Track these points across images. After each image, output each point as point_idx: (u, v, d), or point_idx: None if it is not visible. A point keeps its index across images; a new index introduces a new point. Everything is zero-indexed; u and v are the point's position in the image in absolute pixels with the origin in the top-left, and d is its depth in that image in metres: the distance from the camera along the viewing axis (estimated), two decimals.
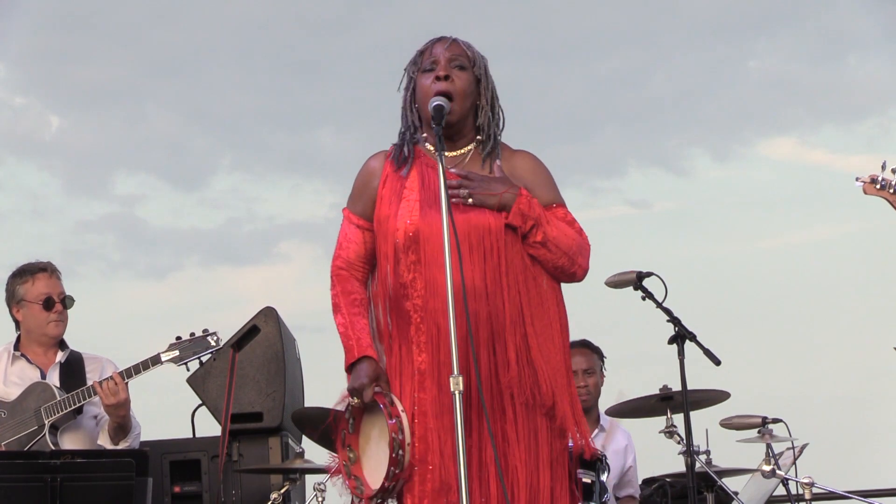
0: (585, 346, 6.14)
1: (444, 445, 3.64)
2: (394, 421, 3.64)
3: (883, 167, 4.68)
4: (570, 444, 3.83)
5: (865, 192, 4.75)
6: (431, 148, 3.83)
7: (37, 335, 5.51)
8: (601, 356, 6.17)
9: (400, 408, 3.67)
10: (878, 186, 4.71)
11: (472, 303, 3.59)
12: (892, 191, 4.63)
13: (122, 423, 5.31)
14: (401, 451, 3.63)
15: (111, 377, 5.24)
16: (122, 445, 5.35)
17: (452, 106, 3.76)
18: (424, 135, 3.86)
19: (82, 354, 5.60)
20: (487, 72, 3.86)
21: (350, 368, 3.76)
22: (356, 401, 3.71)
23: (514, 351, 3.69)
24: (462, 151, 3.85)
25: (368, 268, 3.87)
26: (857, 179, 4.74)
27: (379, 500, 3.69)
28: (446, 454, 3.63)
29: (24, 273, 5.53)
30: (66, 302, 5.52)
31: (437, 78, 3.77)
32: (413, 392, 3.71)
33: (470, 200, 3.68)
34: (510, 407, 3.69)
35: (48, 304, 5.48)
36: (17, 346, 5.54)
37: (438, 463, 3.65)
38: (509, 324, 3.69)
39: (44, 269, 5.53)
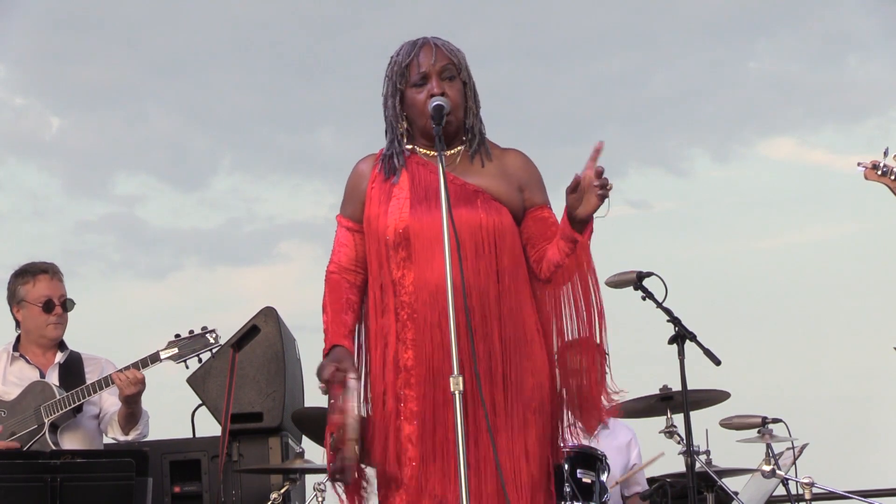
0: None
1: (430, 442, 3.65)
2: (338, 385, 3.61)
3: (885, 153, 4.69)
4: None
5: (866, 178, 4.75)
6: (423, 150, 3.85)
7: (35, 336, 5.51)
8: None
9: (351, 376, 3.64)
10: (879, 172, 4.72)
11: (462, 300, 3.59)
12: (893, 177, 4.63)
13: (134, 411, 5.33)
14: (342, 415, 3.57)
15: (128, 367, 5.25)
16: (132, 434, 5.37)
17: (449, 118, 3.77)
18: (411, 146, 3.87)
19: (81, 355, 5.60)
20: (468, 69, 3.87)
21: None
22: (321, 384, 3.70)
23: (505, 347, 3.71)
24: (453, 152, 3.86)
25: (361, 270, 3.88)
26: (858, 164, 4.74)
27: (338, 474, 3.65)
28: (434, 450, 3.65)
29: (26, 273, 5.53)
30: (67, 305, 5.51)
31: (432, 95, 3.77)
32: (399, 389, 3.72)
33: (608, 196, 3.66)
34: (500, 402, 3.70)
35: (48, 306, 5.48)
36: (16, 347, 5.54)
37: (423, 459, 3.66)
38: (499, 320, 3.70)
39: (45, 271, 5.53)
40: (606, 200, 3.66)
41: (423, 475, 3.68)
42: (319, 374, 3.71)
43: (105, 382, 5.29)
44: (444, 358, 3.63)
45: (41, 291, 5.48)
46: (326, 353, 3.77)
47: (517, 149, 3.93)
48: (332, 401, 3.64)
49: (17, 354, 5.51)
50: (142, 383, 5.24)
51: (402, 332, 3.74)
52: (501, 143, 3.95)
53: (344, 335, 3.78)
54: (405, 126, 3.86)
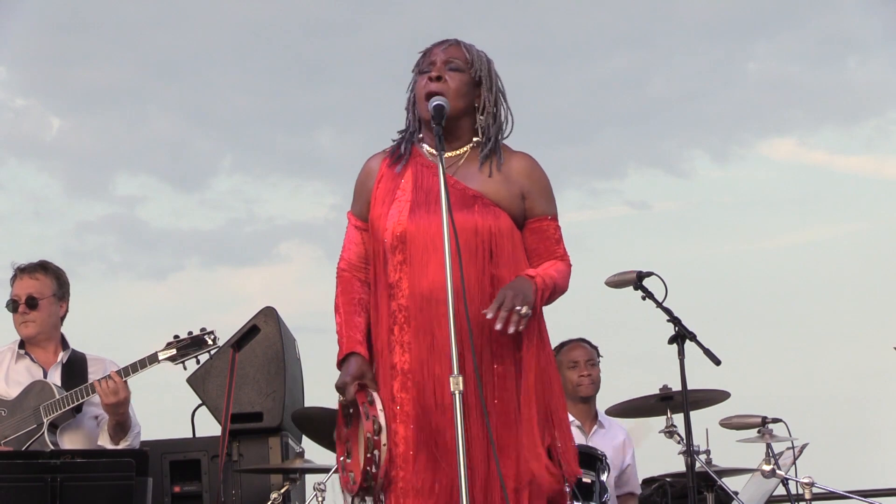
0: (584, 341, 6.20)
1: (425, 445, 3.65)
2: (369, 420, 3.64)
3: None
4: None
5: None
6: (429, 149, 3.85)
7: (19, 334, 5.52)
8: (598, 353, 6.22)
9: (379, 406, 3.67)
10: None
11: (459, 303, 3.58)
12: None
13: (121, 422, 5.30)
14: (376, 452, 3.62)
15: (110, 376, 5.24)
16: (122, 445, 5.33)
17: (447, 105, 3.77)
18: (421, 135, 3.87)
19: (86, 355, 5.59)
20: (492, 73, 3.86)
21: (341, 365, 3.78)
22: (342, 398, 3.73)
23: (498, 350, 3.70)
24: (458, 152, 3.85)
25: (370, 267, 3.87)
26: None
27: (360, 498, 3.69)
28: (428, 453, 3.64)
29: (12, 275, 5.55)
30: (30, 302, 5.47)
31: (430, 79, 3.79)
32: (396, 392, 3.71)
33: (525, 309, 3.63)
34: (495, 406, 3.69)
35: (12, 306, 5.48)
36: (21, 345, 5.54)
37: (419, 463, 3.65)
38: (490, 324, 3.66)
39: (23, 270, 5.53)
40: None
41: (416, 478, 3.67)
42: (342, 391, 3.72)
43: None
44: (438, 362, 3.64)
45: (12, 292, 5.51)
46: (341, 360, 3.77)
47: (527, 153, 3.90)
48: (360, 406, 3.66)
49: (21, 352, 5.52)
50: (122, 393, 5.20)
51: (399, 335, 3.73)
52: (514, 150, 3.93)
53: (359, 341, 3.78)
54: (416, 117, 3.86)
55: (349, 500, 3.79)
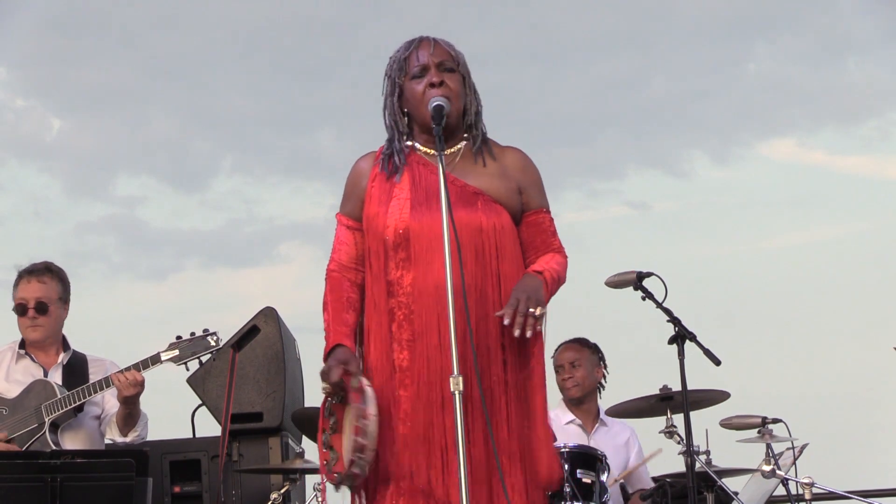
0: (575, 341, 6.22)
1: (424, 443, 3.64)
2: (355, 391, 3.60)
3: None
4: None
5: None
6: (423, 148, 3.84)
7: (24, 337, 5.51)
8: (595, 351, 6.22)
9: (365, 382, 3.62)
10: None
11: (461, 302, 3.58)
12: None
13: (132, 412, 5.32)
14: (364, 420, 3.56)
15: (129, 369, 5.24)
16: (131, 436, 5.36)
17: (449, 115, 3.77)
18: (410, 142, 3.86)
19: (87, 356, 5.60)
20: (467, 67, 3.87)
21: (327, 358, 3.75)
22: (325, 385, 3.69)
23: (504, 349, 3.70)
24: (454, 150, 3.85)
25: (361, 268, 3.86)
26: None
27: (349, 480, 3.66)
28: (428, 452, 3.64)
29: (16, 277, 5.55)
30: (39, 307, 5.48)
31: (432, 84, 3.78)
32: (394, 390, 3.70)
33: (539, 311, 3.65)
34: (499, 404, 3.70)
35: (20, 310, 5.48)
36: (22, 345, 5.54)
37: (417, 462, 3.65)
38: (498, 322, 3.67)
39: (30, 273, 5.52)
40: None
41: (415, 476, 3.67)
42: (326, 376, 3.69)
43: (106, 383, 5.28)
44: (441, 359, 3.63)
45: (20, 295, 5.50)
46: (328, 353, 3.75)
47: (517, 147, 3.92)
48: (352, 406, 3.62)
49: (22, 352, 5.52)
50: (141, 385, 5.24)
51: (398, 332, 3.72)
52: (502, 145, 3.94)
53: (346, 335, 3.76)
54: (405, 122, 3.85)
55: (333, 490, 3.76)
